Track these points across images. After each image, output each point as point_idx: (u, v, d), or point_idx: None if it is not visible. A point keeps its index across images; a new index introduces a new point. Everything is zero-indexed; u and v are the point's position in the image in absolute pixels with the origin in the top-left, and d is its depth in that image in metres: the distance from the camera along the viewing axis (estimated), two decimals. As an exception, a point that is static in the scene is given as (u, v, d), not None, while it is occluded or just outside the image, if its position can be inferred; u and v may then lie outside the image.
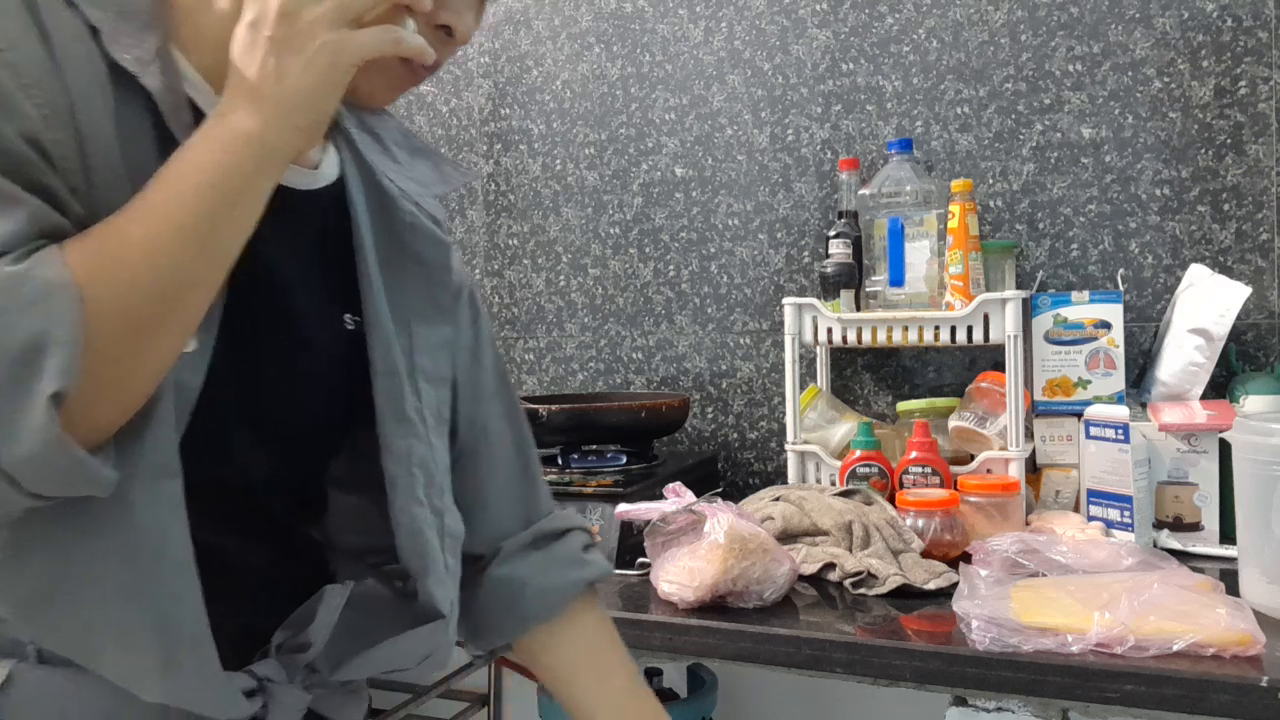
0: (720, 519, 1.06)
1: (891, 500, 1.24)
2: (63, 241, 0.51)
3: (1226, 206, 1.42)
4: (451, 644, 0.73)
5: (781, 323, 1.46)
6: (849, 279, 1.43)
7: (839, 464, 1.38)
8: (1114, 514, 1.22)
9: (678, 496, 1.15)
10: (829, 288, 1.43)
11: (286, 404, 0.67)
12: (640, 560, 1.16)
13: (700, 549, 1.04)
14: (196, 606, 0.56)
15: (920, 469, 1.29)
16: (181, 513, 0.56)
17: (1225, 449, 1.17)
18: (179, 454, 0.56)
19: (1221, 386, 1.34)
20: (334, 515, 0.74)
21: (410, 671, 0.72)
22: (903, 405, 1.48)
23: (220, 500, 0.61)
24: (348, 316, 0.70)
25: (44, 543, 0.54)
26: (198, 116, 0.59)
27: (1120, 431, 1.21)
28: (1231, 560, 1.06)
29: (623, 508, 1.14)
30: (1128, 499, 1.20)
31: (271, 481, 0.68)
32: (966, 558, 1.14)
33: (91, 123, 0.54)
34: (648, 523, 1.13)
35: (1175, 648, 0.85)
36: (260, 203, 0.55)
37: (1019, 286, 1.48)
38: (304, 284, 0.67)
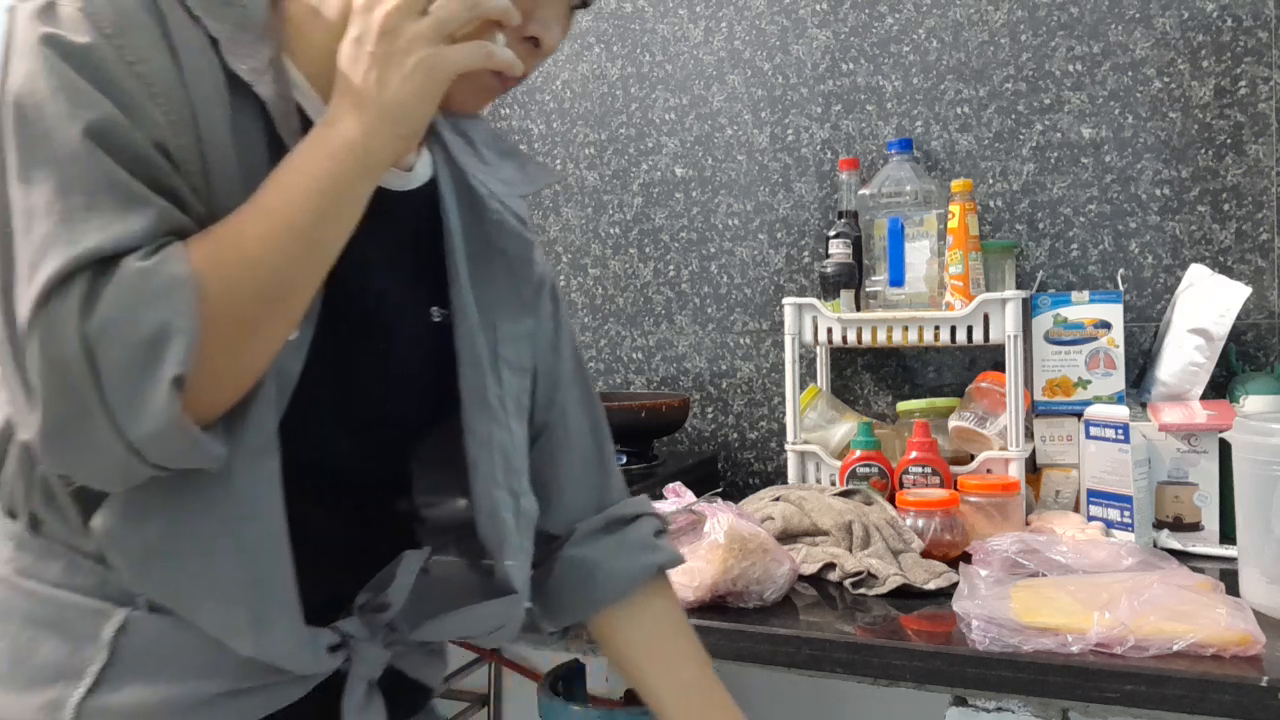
0: (720, 519, 1.06)
1: (891, 500, 1.24)
2: (186, 239, 0.56)
3: (1226, 206, 1.42)
4: (521, 618, 0.78)
5: (781, 323, 1.46)
6: (849, 279, 1.43)
7: (839, 464, 1.38)
8: (1114, 514, 1.22)
9: (678, 497, 1.15)
10: (829, 288, 1.43)
11: (374, 390, 0.71)
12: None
13: (700, 549, 1.04)
14: (286, 573, 0.62)
15: (920, 469, 1.29)
16: (277, 488, 0.61)
17: (1225, 449, 1.17)
18: (277, 435, 0.61)
19: (1221, 386, 1.34)
20: (420, 493, 0.78)
21: (480, 640, 0.77)
22: (903, 405, 1.48)
23: (313, 477, 0.66)
24: (435, 309, 0.74)
25: (158, 507, 0.59)
26: (305, 122, 0.64)
27: (1120, 431, 1.21)
28: (1231, 560, 1.06)
29: None
30: (1128, 499, 1.20)
31: (362, 462, 0.72)
32: (966, 558, 1.14)
33: (211, 129, 0.59)
34: None
35: (1175, 648, 0.85)
36: (361, 205, 0.60)
37: (1019, 286, 1.48)
38: (394, 279, 0.72)
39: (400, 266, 0.73)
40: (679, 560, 0.89)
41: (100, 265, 0.53)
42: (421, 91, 0.58)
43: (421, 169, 0.75)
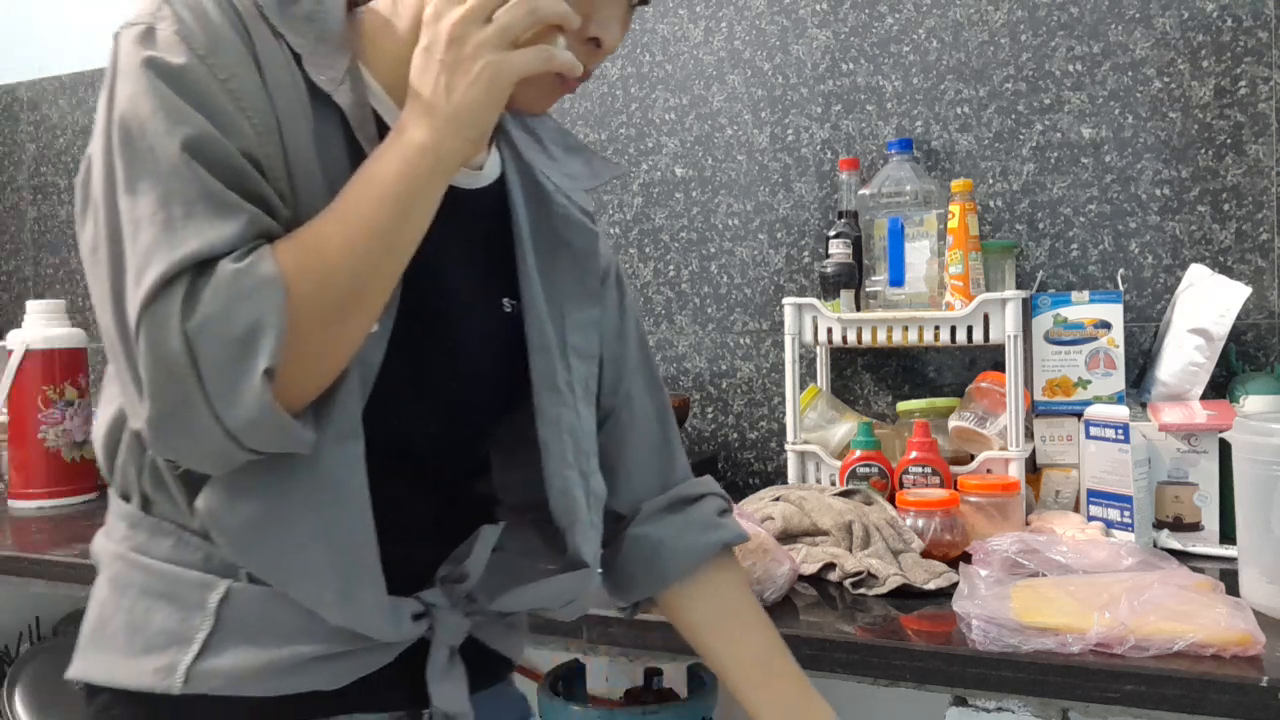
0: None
1: (891, 500, 1.24)
2: (274, 242, 0.61)
3: (1226, 206, 1.42)
4: (592, 592, 0.81)
5: (781, 323, 1.46)
6: (849, 279, 1.43)
7: (839, 464, 1.38)
8: (1114, 514, 1.22)
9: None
10: (829, 288, 1.43)
11: (450, 378, 0.75)
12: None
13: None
14: (370, 550, 0.67)
15: (920, 469, 1.29)
16: (361, 470, 0.66)
17: (1225, 449, 1.17)
18: (361, 420, 0.66)
19: (1221, 386, 1.34)
20: (498, 474, 0.82)
21: (554, 612, 0.81)
22: (903, 405, 1.48)
23: (397, 459, 0.71)
24: (506, 300, 0.79)
25: (253, 490, 0.65)
26: (381, 128, 0.68)
27: (1120, 431, 1.20)
28: (1231, 560, 1.06)
29: None
30: (1128, 499, 1.20)
31: (441, 445, 0.77)
32: (966, 558, 1.14)
33: (295, 138, 0.65)
34: None
35: (1175, 648, 0.85)
36: (434, 206, 0.64)
37: (1019, 286, 1.48)
38: (466, 273, 0.76)
39: (472, 262, 0.77)
40: (743, 538, 0.92)
41: (199, 268, 0.58)
42: (487, 96, 0.62)
43: (490, 168, 0.79)
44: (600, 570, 0.87)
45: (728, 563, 0.91)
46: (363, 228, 0.61)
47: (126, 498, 0.73)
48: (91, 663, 0.70)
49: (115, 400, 0.71)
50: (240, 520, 0.65)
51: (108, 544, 0.74)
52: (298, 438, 0.62)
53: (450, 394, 0.75)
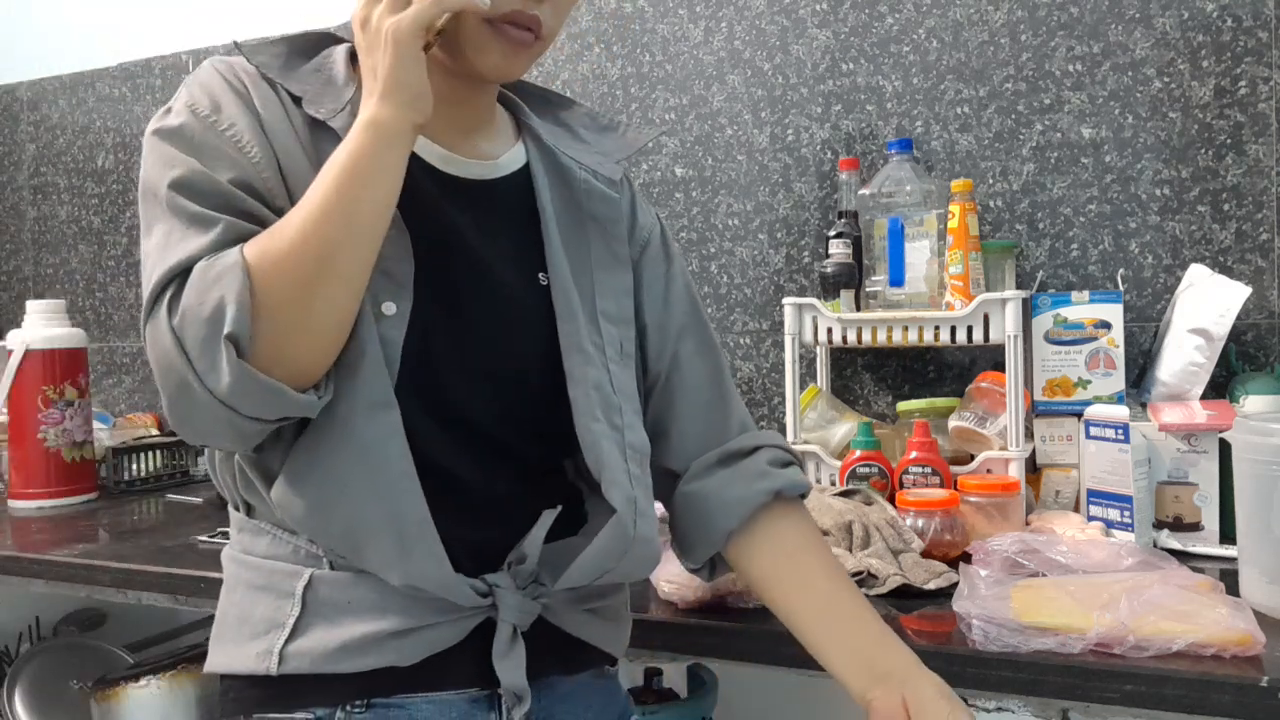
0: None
1: (891, 500, 1.24)
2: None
3: (1226, 206, 1.42)
4: (642, 540, 0.81)
5: (781, 323, 1.46)
6: (849, 279, 1.43)
7: (839, 464, 1.38)
8: (1114, 514, 1.22)
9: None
10: (829, 288, 1.43)
11: (491, 351, 0.80)
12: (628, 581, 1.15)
13: (700, 549, 1.04)
14: (419, 504, 0.73)
15: (920, 469, 1.29)
16: (400, 435, 0.72)
17: (1225, 449, 1.17)
18: (395, 393, 0.73)
19: (1221, 386, 1.34)
20: (564, 453, 0.87)
21: (616, 571, 0.81)
22: (903, 405, 1.48)
23: (465, 438, 0.78)
24: (541, 275, 0.84)
25: (309, 470, 0.73)
26: None
27: (1120, 431, 1.20)
28: (1231, 560, 1.06)
29: None
30: (1128, 499, 1.20)
31: (503, 420, 0.81)
32: (966, 558, 1.14)
33: (291, 165, 0.75)
34: None
35: (1175, 648, 0.85)
36: (393, 173, 0.70)
37: (1019, 286, 1.48)
38: (498, 254, 0.82)
39: (500, 242, 0.83)
40: (801, 486, 0.89)
41: (183, 275, 0.68)
42: (399, 57, 0.68)
43: (509, 159, 0.86)
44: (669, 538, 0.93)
45: (785, 511, 0.88)
46: (318, 206, 0.67)
47: (236, 507, 0.82)
48: (215, 655, 0.80)
49: None
50: (306, 502, 0.73)
51: (227, 551, 0.83)
52: (294, 400, 0.68)
53: (493, 366, 0.80)
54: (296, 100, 0.78)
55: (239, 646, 0.77)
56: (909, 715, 0.74)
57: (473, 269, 0.80)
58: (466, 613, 0.76)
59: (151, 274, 0.69)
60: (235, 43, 0.86)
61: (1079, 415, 1.29)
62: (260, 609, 0.76)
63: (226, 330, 0.65)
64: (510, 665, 0.77)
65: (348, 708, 0.76)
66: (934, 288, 1.38)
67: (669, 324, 0.93)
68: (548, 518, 0.79)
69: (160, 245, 0.70)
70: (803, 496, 0.90)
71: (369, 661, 0.74)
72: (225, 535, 1.11)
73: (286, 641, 0.74)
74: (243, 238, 0.69)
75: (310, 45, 0.83)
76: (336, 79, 0.80)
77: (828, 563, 0.86)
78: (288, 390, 0.68)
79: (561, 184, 0.88)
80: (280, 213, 0.71)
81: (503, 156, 0.86)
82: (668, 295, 0.94)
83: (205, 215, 0.70)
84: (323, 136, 0.76)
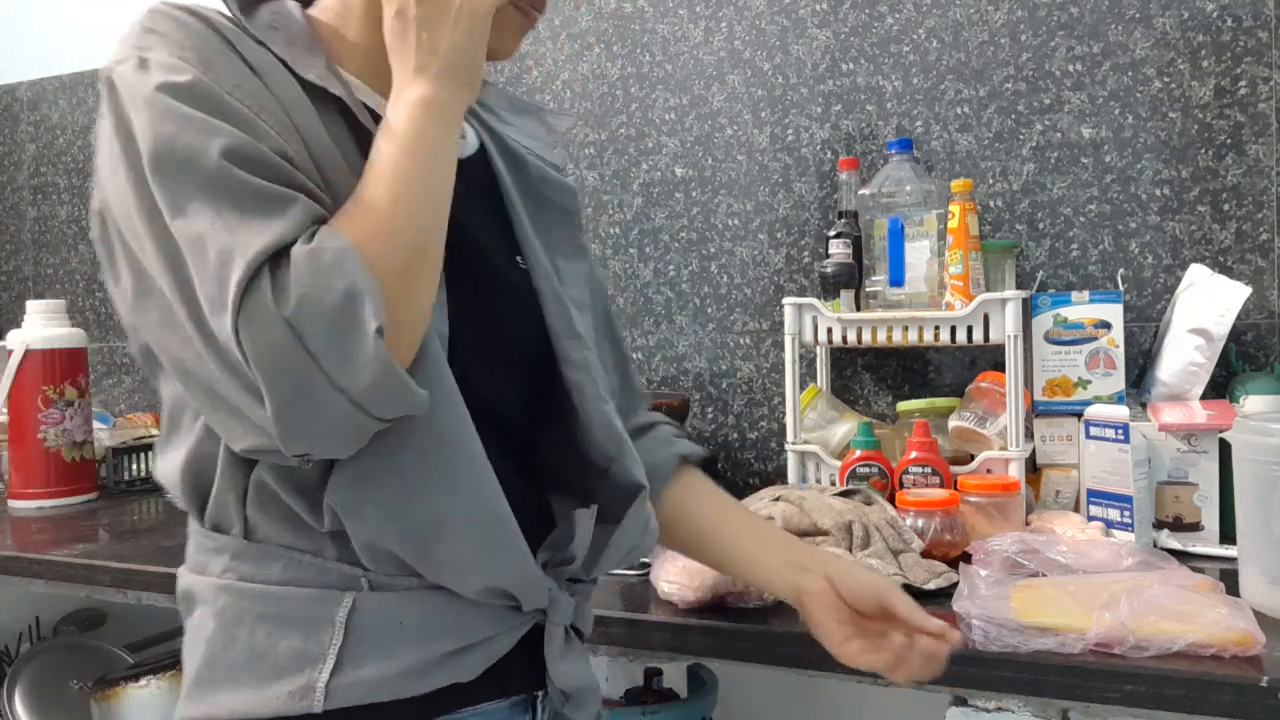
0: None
1: (891, 500, 1.24)
2: (328, 223, 0.63)
3: (1226, 206, 1.42)
4: (653, 514, 0.83)
5: (781, 323, 1.46)
6: (849, 279, 1.43)
7: (839, 464, 1.38)
8: (1114, 514, 1.22)
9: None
10: (829, 288, 1.43)
11: (506, 335, 0.78)
12: (640, 560, 1.16)
13: (700, 549, 1.04)
14: (502, 502, 0.69)
15: (920, 469, 1.29)
16: (470, 425, 0.68)
17: (1225, 449, 1.17)
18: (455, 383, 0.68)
19: (1221, 386, 1.34)
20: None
21: (640, 549, 0.83)
22: (903, 405, 1.48)
23: (490, 428, 0.71)
24: (519, 258, 0.82)
25: (382, 469, 0.66)
26: (374, 117, 0.71)
27: (1120, 431, 1.20)
28: (1231, 560, 1.06)
29: None
30: (1128, 499, 1.20)
31: (519, 407, 0.79)
32: (966, 558, 1.14)
33: (310, 132, 0.67)
34: None
35: (1175, 648, 0.85)
36: (451, 155, 0.67)
37: (1019, 286, 1.48)
38: (485, 235, 0.79)
39: (485, 224, 0.80)
40: (700, 452, 0.96)
41: (273, 260, 0.59)
42: (469, 36, 0.66)
43: (471, 138, 0.83)
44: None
45: (691, 470, 0.95)
46: (403, 185, 0.63)
47: (222, 529, 0.71)
48: (211, 703, 0.68)
49: (192, 434, 0.71)
50: (376, 504, 0.66)
51: (203, 580, 0.72)
52: (417, 396, 0.63)
53: (507, 350, 0.79)
54: (282, 61, 0.70)
55: (258, 688, 0.67)
56: (835, 589, 0.80)
57: (474, 251, 0.76)
58: (522, 619, 0.74)
59: (224, 262, 0.59)
60: None
61: (1079, 415, 1.29)
62: (285, 643, 0.67)
63: (374, 323, 0.58)
64: (571, 666, 0.77)
65: None
66: (934, 288, 1.38)
67: (597, 309, 0.93)
68: (586, 518, 0.76)
69: (225, 226, 0.60)
70: (697, 463, 0.97)
71: (431, 682, 0.69)
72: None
73: (332, 675, 0.66)
74: (319, 219, 0.63)
75: None
76: (298, 39, 0.72)
77: (739, 504, 0.96)
78: (414, 385, 0.62)
79: (515, 167, 0.85)
80: (318, 187, 0.66)
81: (468, 135, 0.83)
82: (593, 282, 0.93)
83: (276, 193, 0.61)
84: (322, 105, 0.70)
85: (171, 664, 1.34)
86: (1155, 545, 1.21)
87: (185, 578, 0.74)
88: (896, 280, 1.39)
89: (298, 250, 0.59)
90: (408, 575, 0.69)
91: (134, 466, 1.84)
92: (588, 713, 0.81)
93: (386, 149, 0.64)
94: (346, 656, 0.67)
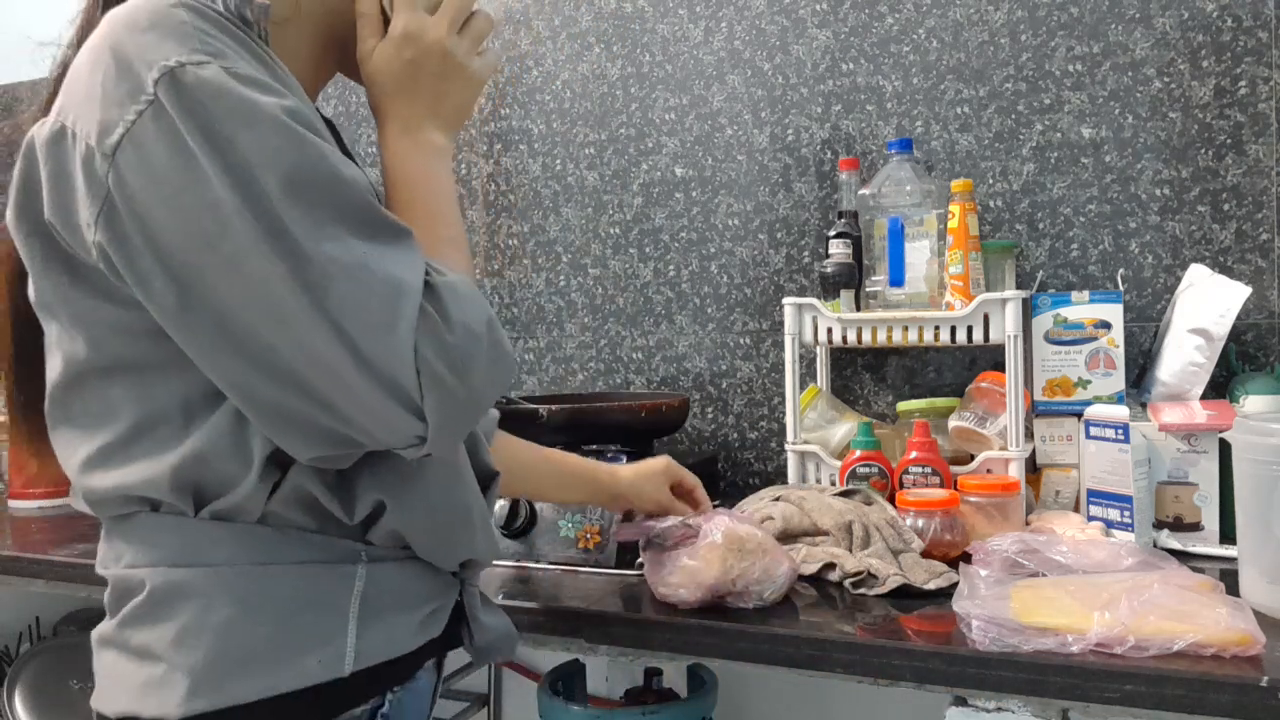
0: (718, 521, 1.06)
1: (891, 500, 1.24)
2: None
3: (1226, 206, 1.42)
4: None
5: (781, 323, 1.46)
6: (849, 279, 1.43)
7: (839, 464, 1.38)
8: (1114, 514, 1.22)
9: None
10: (829, 288, 1.43)
11: None
12: (640, 560, 1.16)
13: (699, 549, 1.04)
14: (480, 495, 0.83)
15: (920, 469, 1.29)
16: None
17: (1225, 449, 1.17)
18: None
19: (1221, 386, 1.34)
20: None
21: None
22: (903, 405, 1.48)
23: None
24: None
25: (430, 466, 0.75)
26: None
27: (1120, 431, 1.20)
28: (1231, 560, 1.06)
29: (620, 528, 1.16)
30: (1128, 499, 1.20)
31: None
32: (966, 558, 1.14)
33: (349, 150, 0.77)
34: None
35: (1175, 648, 0.85)
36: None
37: (1019, 286, 1.48)
38: None
39: None
40: (496, 415, 1.04)
41: (427, 289, 0.66)
42: (474, 95, 0.78)
43: None
44: None
45: (501, 432, 1.05)
46: (454, 228, 0.75)
47: (225, 519, 0.71)
48: (228, 691, 0.68)
49: (179, 441, 0.69)
50: (421, 498, 0.75)
51: (199, 571, 0.70)
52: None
53: None
54: None
55: (289, 662, 0.69)
56: (632, 502, 1.11)
57: None
58: (456, 583, 0.84)
59: (395, 286, 0.63)
60: None
61: (1079, 415, 1.29)
62: (308, 617, 0.71)
63: (508, 341, 0.71)
64: (490, 618, 0.88)
65: (405, 682, 0.78)
66: (934, 288, 1.38)
67: None
68: (493, 491, 0.88)
69: (379, 254, 0.64)
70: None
71: (420, 639, 0.78)
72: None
73: (357, 639, 0.72)
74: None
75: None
76: (276, 66, 0.70)
77: (549, 450, 1.11)
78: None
79: None
80: None
81: None
82: None
83: (399, 224, 0.67)
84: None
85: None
86: (1155, 545, 1.21)
87: (174, 574, 0.70)
88: (896, 280, 1.39)
89: (440, 281, 0.67)
90: (397, 549, 0.77)
91: (134, 466, 1.84)
92: (506, 653, 0.92)
93: (429, 190, 0.75)
94: (365, 620, 0.73)
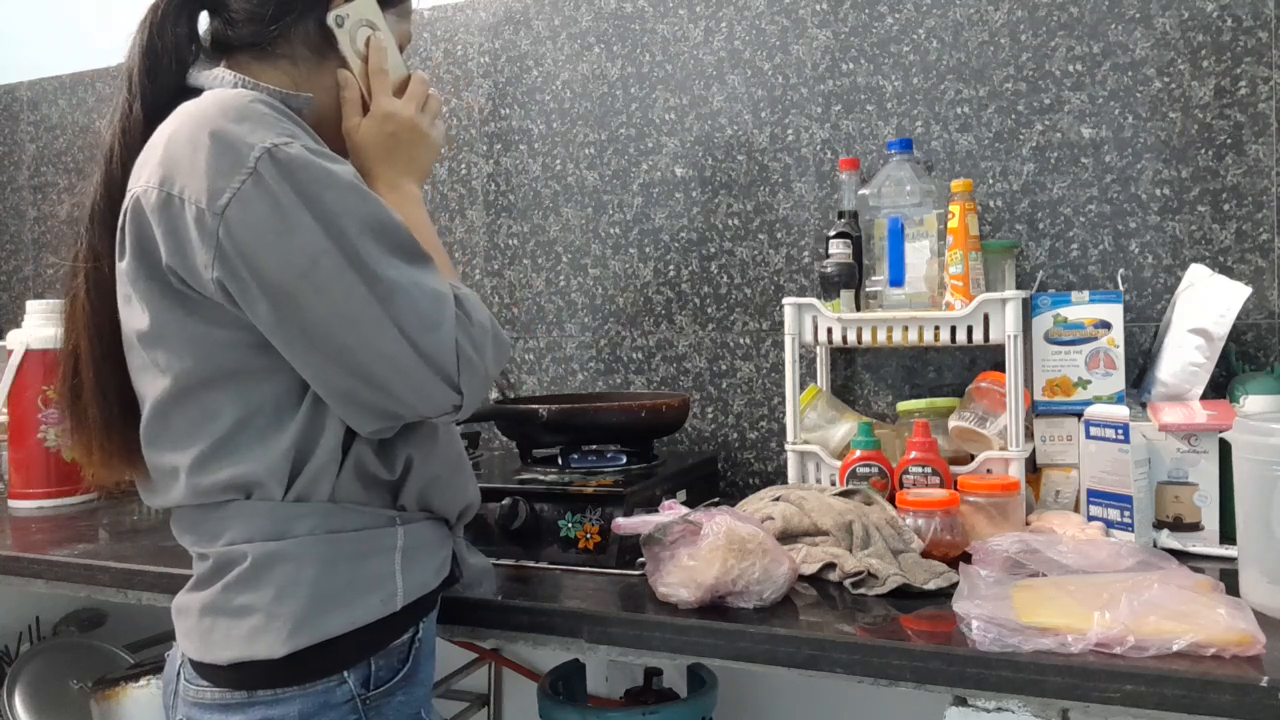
0: (718, 521, 1.06)
1: (891, 500, 1.24)
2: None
3: (1226, 206, 1.42)
4: None
5: (781, 323, 1.46)
6: (849, 279, 1.43)
7: (839, 464, 1.38)
8: (1114, 514, 1.22)
9: (671, 510, 1.15)
10: (829, 288, 1.43)
11: None
12: (640, 560, 1.16)
13: (699, 549, 1.04)
14: (462, 445, 1.08)
15: (920, 469, 1.29)
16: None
17: (1225, 449, 1.17)
18: None
19: (1221, 386, 1.34)
20: None
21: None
22: (903, 405, 1.48)
23: None
24: None
25: (443, 450, 1.01)
26: None
27: (1120, 431, 1.20)
28: (1231, 560, 1.06)
29: (620, 521, 1.16)
30: (1128, 499, 1.20)
31: None
32: (966, 558, 1.14)
33: None
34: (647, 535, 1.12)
35: (1175, 648, 0.85)
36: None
37: (1019, 286, 1.48)
38: None
39: None
40: None
41: (455, 298, 0.90)
42: (436, 154, 1.06)
43: None
44: None
45: None
46: (443, 252, 0.99)
47: (305, 499, 0.91)
48: (321, 628, 0.88)
49: (279, 435, 0.89)
50: (440, 460, 0.99)
51: (287, 542, 0.90)
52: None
53: None
54: None
55: (359, 603, 0.91)
56: None
57: None
58: (451, 535, 1.05)
59: (438, 295, 0.88)
60: (266, 90, 0.94)
61: (1079, 415, 1.29)
62: (369, 567, 0.92)
63: (506, 335, 0.98)
64: (475, 559, 1.12)
65: (430, 611, 1.00)
66: (934, 288, 1.38)
67: None
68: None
69: (423, 273, 0.88)
70: None
71: (440, 580, 1.00)
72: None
73: (403, 581, 0.94)
74: None
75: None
76: (321, 141, 0.92)
77: None
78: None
79: None
80: None
81: None
82: None
83: (427, 254, 0.90)
84: None
85: (171, 664, 1.34)
86: (1155, 545, 1.21)
87: (264, 546, 0.89)
88: (896, 280, 1.39)
89: (460, 292, 0.91)
90: (418, 511, 0.98)
91: (134, 466, 1.83)
92: (488, 586, 1.14)
93: (421, 228, 0.97)
94: (407, 568, 0.95)
